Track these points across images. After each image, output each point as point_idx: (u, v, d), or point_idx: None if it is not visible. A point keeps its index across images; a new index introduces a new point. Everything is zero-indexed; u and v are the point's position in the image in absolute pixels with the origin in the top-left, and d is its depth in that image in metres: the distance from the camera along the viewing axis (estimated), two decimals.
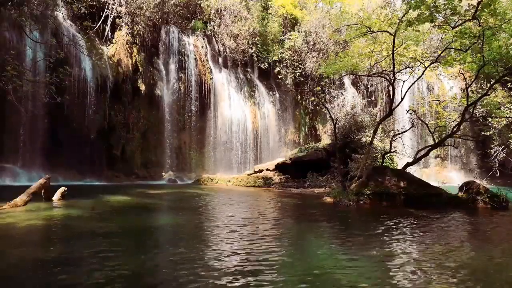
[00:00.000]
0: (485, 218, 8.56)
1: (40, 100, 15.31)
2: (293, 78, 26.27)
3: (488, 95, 12.90)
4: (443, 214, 8.66)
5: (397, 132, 15.66)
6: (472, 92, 14.89)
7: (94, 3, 19.36)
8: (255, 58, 25.91)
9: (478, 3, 9.84)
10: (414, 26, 11.04)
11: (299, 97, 27.48)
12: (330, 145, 18.37)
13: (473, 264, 4.58)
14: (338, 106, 21.37)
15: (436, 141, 13.22)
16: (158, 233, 6.47)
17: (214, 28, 24.63)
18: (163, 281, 3.73)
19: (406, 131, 14.43)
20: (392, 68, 12.44)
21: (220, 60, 25.14)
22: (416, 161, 12.73)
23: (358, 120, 18.55)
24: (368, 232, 6.47)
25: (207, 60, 23.92)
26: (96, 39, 19.65)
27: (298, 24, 27.38)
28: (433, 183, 12.13)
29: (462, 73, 15.07)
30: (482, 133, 17.62)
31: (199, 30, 24.07)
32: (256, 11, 26.39)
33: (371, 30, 12.40)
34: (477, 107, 13.87)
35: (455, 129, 12.47)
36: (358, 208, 9.75)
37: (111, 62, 19.70)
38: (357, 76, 24.94)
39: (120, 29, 20.64)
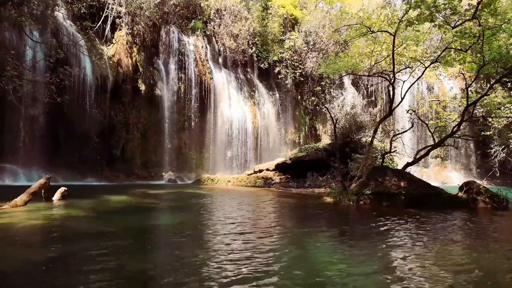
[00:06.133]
0: (485, 218, 8.55)
1: (40, 100, 15.31)
2: (293, 78, 26.28)
3: (488, 95, 12.90)
4: (443, 214, 8.65)
5: (397, 132, 15.66)
6: (472, 92, 14.87)
7: (94, 3, 19.35)
8: (255, 58, 25.92)
9: (478, 3, 9.84)
10: (414, 26, 11.03)
11: (299, 97, 27.49)
12: (330, 145, 18.37)
13: (474, 264, 4.57)
14: (338, 106, 21.35)
15: (436, 141, 13.22)
16: (158, 233, 6.46)
17: (214, 28, 24.63)
18: (163, 281, 3.72)
19: (406, 131, 14.44)
20: (392, 68, 12.44)
21: (220, 60, 25.15)
22: (416, 161, 12.73)
23: (358, 120, 18.55)
24: (368, 233, 6.47)
25: (207, 60, 23.92)
26: (96, 39, 19.65)
27: (298, 24, 27.39)
28: (433, 183, 12.12)
29: (462, 73, 15.07)
30: (482, 133, 17.61)
31: (199, 30, 24.07)
32: (256, 11, 26.40)
33: (371, 30, 12.40)
34: (477, 107, 13.86)
35: (455, 129, 12.47)
36: (358, 208, 9.75)
37: (111, 62, 19.71)
38: (357, 76, 24.95)
39: (120, 29, 20.64)
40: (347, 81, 28.07)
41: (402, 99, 13.41)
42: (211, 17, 24.69)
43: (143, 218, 7.59)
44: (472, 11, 10.14)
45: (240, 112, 24.17)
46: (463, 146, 25.00)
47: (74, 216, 7.50)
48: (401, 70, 13.99)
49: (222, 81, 24.21)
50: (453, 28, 10.76)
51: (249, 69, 26.53)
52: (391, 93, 13.65)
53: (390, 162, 16.98)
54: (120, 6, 20.49)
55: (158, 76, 21.97)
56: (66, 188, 9.87)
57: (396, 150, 14.41)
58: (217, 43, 24.96)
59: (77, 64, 17.97)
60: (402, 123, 20.14)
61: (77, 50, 16.82)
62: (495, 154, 19.87)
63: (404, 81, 13.61)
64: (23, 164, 16.39)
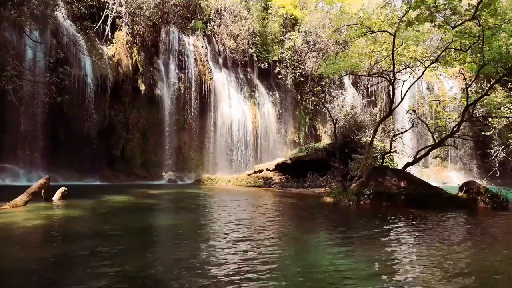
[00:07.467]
0: (485, 218, 8.55)
1: (40, 100, 15.31)
2: (293, 78, 26.27)
3: (488, 95, 12.90)
4: (443, 214, 8.65)
5: (397, 132, 15.67)
6: (472, 92, 14.88)
7: (94, 3, 19.35)
8: (255, 58, 25.91)
9: (478, 3, 9.84)
10: (414, 26, 11.03)
11: (299, 97, 27.48)
12: (330, 145, 18.37)
13: (474, 265, 4.57)
14: (338, 106, 21.37)
15: (436, 141, 13.22)
16: (158, 233, 6.47)
17: (214, 28, 24.63)
18: (163, 281, 3.72)
19: (406, 131, 14.44)
20: (392, 68, 12.44)
21: (220, 60, 25.14)
22: (416, 161, 12.73)
23: (358, 120, 18.55)
24: (368, 233, 6.47)
25: (207, 60, 23.91)
26: (96, 39, 19.65)
27: (298, 24, 27.38)
28: (433, 183, 12.12)
29: (462, 73, 15.07)
30: (482, 133, 17.62)
31: (199, 30, 24.07)
32: (256, 11, 26.39)
33: (371, 30, 12.40)
34: (477, 107, 13.87)
35: (455, 129, 12.47)
36: (358, 208, 9.75)
37: (111, 62, 19.70)
38: (357, 76, 24.95)
39: (120, 29, 20.64)
40: (347, 81, 28.06)
41: (402, 99, 13.41)
42: (211, 17, 24.68)
43: (143, 218, 7.59)
44: (472, 11, 10.14)
45: (240, 112, 24.17)
46: (463, 146, 25.00)
47: (74, 216, 7.50)
48: (401, 70, 13.99)
49: (222, 81, 24.20)
50: (453, 28, 10.76)
51: (249, 69, 26.52)
52: (391, 93, 13.65)
53: (390, 162, 16.98)
54: (120, 6, 20.48)
55: (158, 76, 21.96)
56: (66, 188, 9.88)
57: (396, 150, 14.41)
58: (217, 43, 24.95)
59: (77, 64, 17.96)
60: (402, 123, 20.14)
61: (77, 50, 16.82)
62: (495, 154, 19.86)
63: (404, 81, 13.62)
64: (23, 164, 16.40)
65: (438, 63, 12.71)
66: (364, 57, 14.56)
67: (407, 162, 12.49)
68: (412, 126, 14.23)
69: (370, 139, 14.07)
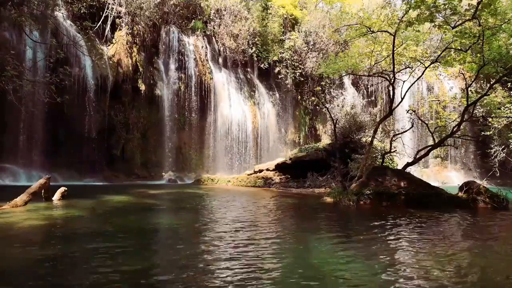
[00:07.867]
0: (485, 218, 8.55)
1: (40, 100, 15.30)
2: (293, 78, 26.26)
3: (488, 95, 12.90)
4: (443, 214, 8.65)
5: (397, 132, 15.66)
6: (472, 92, 14.87)
7: (94, 3, 19.35)
8: (255, 58, 25.90)
9: (478, 3, 9.84)
10: (414, 26, 11.03)
11: (299, 97, 27.47)
12: (330, 145, 18.37)
13: (474, 265, 4.58)
14: (338, 106, 21.35)
15: (436, 141, 13.22)
16: (158, 233, 6.47)
17: (214, 28, 24.63)
18: (163, 282, 3.72)
19: (406, 131, 14.44)
20: (392, 68, 12.44)
21: (220, 60, 25.14)
22: (416, 161, 12.73)
23: (358, 120, 18.55)
24: (369, 233, 6.47)
25: (207, 60, 23.91)
26: (96, 39, 19.65)
27: (298, 24, 27.37)
28: (433, 183, 12.12)
29: (462, 73, 15.07)
30: (482, 133, 17.61)
31: (199, 30, 24.07)
32: (256, 11, 26.38)
33: (371, 30, 12.40)
34: (477, 107, 13.86)
35: (455, 129, 12.47)
36: (358, 208, 9.75)
37: (111, 62, 19.70)
38: (357, 76, 24.95)
39: (120, 29, 20.64)
40: (347, 81, 28.06)
41: (402, 99, 13.41)
42: (211, 17, 24.68)
43: (143, 218, 7.59)
44: (472, 11, 10.14)
45: (240, 112, 24.17)
46: (463, 146, 24.99)
47: (74, 216, 7.50)
48: (401, 70, 13.98)
49: (222, 81, 24.20)
50: (453, 28, 10.76)
51: (249, 69, 26.52)
52: (391, 93, 13.65)
53: (390, 162, 16.98)
54: (120, 6, 20.48)
55: (158, 76, 21.96)
56: (66, 188, 9.88)
57: (396, 150, 14.41)
58: (217, 43, 24.95)
59: (77, 64, 17.96)
60: (402, 123, 20.14)
61: (77, 50, 16.81)
62: (495, 154, 19.85)
63: (404, 81, 13.61)
64: (23, 164, 16.39)
65: (438, 63, 12.70)
66: (364, 57, 14.56)
67: (407, 162, 12.49)
68: (412, 126, 14.22)
69: (370, 139, 14.07)
